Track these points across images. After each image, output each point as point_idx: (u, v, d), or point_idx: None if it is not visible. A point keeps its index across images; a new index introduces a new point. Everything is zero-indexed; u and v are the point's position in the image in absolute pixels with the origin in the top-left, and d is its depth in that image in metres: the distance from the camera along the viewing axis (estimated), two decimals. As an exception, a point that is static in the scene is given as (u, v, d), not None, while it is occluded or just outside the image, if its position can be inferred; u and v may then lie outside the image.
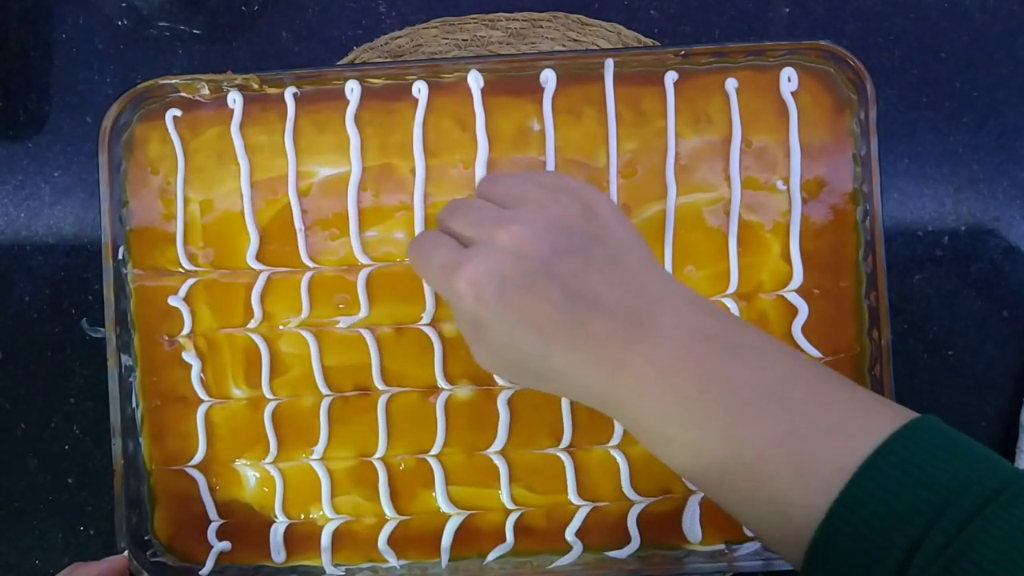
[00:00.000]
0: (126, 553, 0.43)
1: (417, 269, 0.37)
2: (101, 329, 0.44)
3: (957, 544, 0.27)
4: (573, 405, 0.44)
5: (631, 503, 0.43)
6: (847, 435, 0.30)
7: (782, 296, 0.43)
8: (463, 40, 0.47)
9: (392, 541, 0.44)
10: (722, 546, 0.43)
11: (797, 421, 0.30)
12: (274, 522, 0.44)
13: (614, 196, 0.43)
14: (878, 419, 0.30)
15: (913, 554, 0.27)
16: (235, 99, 0.44)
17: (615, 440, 0.43)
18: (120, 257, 0.44)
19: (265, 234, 0.44)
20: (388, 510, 0.44)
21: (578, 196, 0.35)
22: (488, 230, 0.34)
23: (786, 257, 0.43)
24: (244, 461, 0.44)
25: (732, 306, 0.43)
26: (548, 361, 0.33)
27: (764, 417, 0.31)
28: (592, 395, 0.34)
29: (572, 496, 0.44)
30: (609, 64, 0.43)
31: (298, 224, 0.44)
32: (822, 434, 0.30)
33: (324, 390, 0.44)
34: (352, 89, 0.44)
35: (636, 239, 0.35)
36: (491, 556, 0.44)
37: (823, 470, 0.29)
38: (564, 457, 0.44)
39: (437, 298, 0.44)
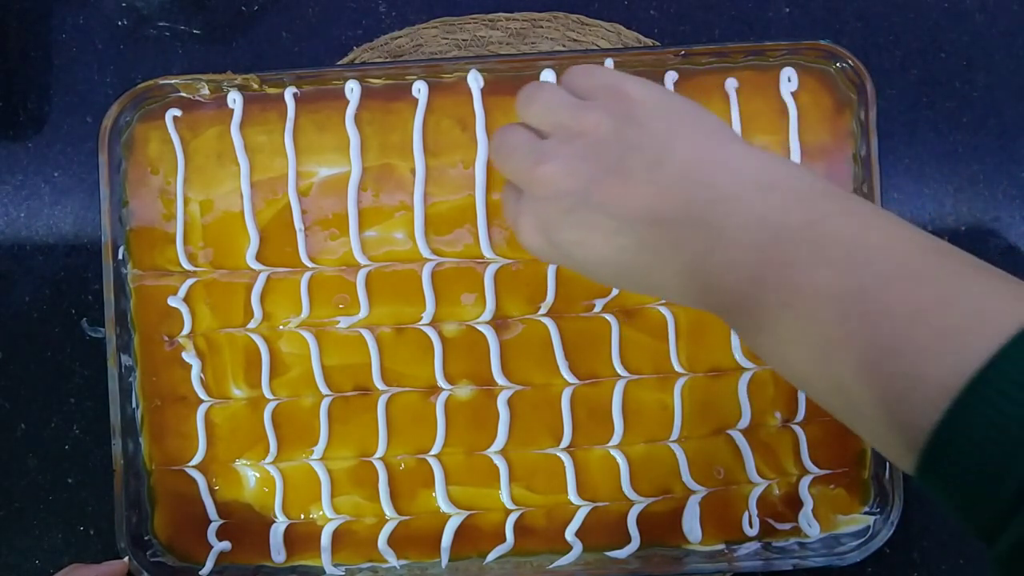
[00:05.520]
0: (126, 559, 0.43)
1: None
2: (101, 329, 0.44)
3: None
4: (573, 405, 0.44)
5: (631, 503, 0.43)
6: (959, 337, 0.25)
7: (782, 296, 0.43)
8: (463, 40, 0.47)
9: (392, 541, 0.44)
10: (722, 546, 0.43)
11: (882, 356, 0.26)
12: (274, 522, 0.44)
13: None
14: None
15: None
16: (235, 99, 0.44)
17: (615, 440, 0.43)
18: (120, 257, 0.44)
19: (265, 234, 0.44)
20: (388, 510, 0.44)
21: (609, 102, 0.32)
22: (525, 175, 0.33)
23: (786, 257, 0.43)
24: (244, 461, 0.44)
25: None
26: (623, 282, 0.34)
27: (853, 339, 0.26)
28: (673, 298, 0.33)
29: (572, 496, 0.44)
30: (609, 64, 0.43)
31: (298, 224, 0.44)
32: (922, 349, 0.25)
33: (324, 390, 0.44)
34: (352, 89, 0.44)
35: (682, 124, 0.31)
36: (491, 556, 0.44)
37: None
38: (564, 457, 0.44)
39: (437, 298, 0.44)
